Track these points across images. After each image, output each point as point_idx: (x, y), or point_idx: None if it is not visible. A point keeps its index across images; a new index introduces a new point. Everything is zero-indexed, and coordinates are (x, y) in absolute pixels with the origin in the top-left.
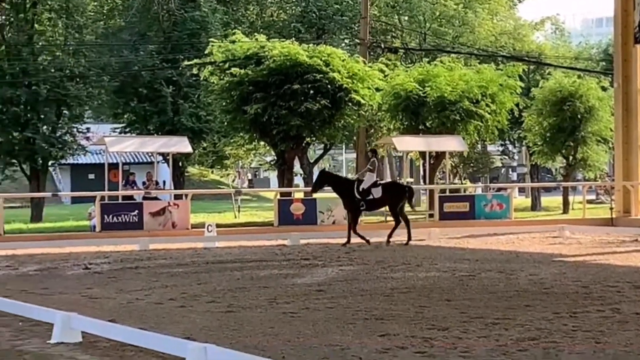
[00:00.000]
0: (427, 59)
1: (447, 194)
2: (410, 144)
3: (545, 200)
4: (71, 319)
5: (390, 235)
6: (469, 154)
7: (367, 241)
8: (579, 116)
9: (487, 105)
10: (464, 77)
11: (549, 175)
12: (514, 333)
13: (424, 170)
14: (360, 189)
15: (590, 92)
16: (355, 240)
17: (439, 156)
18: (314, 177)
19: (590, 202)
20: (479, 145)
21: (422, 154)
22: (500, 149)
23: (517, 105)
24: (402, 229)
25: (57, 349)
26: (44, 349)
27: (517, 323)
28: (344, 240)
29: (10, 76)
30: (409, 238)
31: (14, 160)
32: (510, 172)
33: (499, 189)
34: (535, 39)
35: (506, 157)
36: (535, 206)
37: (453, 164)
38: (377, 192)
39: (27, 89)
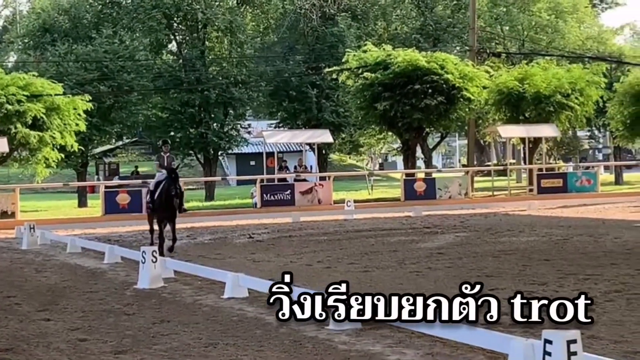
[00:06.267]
0: (525, 61)
1: (544, 172)
2: (512, 132)
3: (627, 176)
4: (239, 278)
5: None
6: (561, 138)
7: (162, 253)
8: None
9: (576, 98)
10: (556, 75)
11: (629, 155)
12: (602, 287)
13: (524, 153)
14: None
15: None
16: (455, 212)
17: (536, 141)
18: (433, 161)
19: None
20: (570, 131)
21: (522, 140)
22: (588, 134)
23: (601, 97)
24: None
25: (228, 303)
26: (219, 302)
27: (605, 278)
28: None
29: (186, 84)
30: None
31: (190, 152)
32: (597, 153)
33: (587, 167)
34: (616, 42)
35: (593, 141)
36: (618, 181)
37: (548, 147)
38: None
39: (200, 94)
